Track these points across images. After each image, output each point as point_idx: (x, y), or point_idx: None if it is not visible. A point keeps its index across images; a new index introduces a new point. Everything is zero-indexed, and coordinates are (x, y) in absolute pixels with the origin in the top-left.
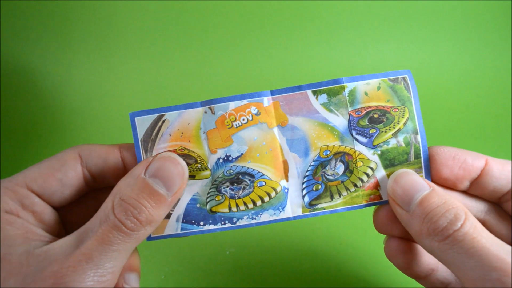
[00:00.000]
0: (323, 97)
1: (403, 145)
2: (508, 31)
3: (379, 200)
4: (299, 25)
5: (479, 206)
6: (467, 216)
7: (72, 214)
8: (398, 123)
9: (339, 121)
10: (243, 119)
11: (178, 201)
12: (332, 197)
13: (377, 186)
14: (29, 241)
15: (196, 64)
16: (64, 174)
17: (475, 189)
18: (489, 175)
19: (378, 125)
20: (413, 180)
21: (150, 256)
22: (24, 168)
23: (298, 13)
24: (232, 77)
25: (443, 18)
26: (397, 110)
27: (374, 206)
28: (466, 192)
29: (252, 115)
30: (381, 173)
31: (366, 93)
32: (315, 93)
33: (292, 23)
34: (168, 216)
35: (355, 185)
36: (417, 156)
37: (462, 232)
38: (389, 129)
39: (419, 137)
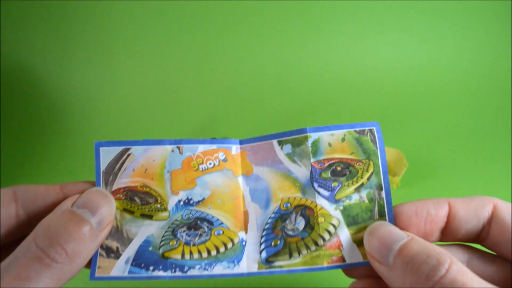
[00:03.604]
0: (288, 147)
1: (366, 201)
2: (508, 31)
3: (341, 262)
4: (299, 22)
5: (458, 254)
6: (452, 260)
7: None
8: (362, 177)
9: (302, 172)
10: (210, 163)
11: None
12: (291, 255)
13: (339, 246)
14: None
15: (196, 63)
16: None
17: (447, 237)
18: (457, 220)
19: (341, 178)
20: (390, 231)
21: None
22: (24, 167)
23: (298, 10)
24: (230, 77)
25: (443, 18)
26: (361, 164)
27: (350, 281)
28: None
29: (219, 161)
30: (344, 231)
31: (329, 144)
32: (280, 143)
33: (292, 21)
34: (117, 256)
35: (316, 243)
36: (382, 214)
37: (449, 278)
38: (352, 183)
39: (383, 193)
